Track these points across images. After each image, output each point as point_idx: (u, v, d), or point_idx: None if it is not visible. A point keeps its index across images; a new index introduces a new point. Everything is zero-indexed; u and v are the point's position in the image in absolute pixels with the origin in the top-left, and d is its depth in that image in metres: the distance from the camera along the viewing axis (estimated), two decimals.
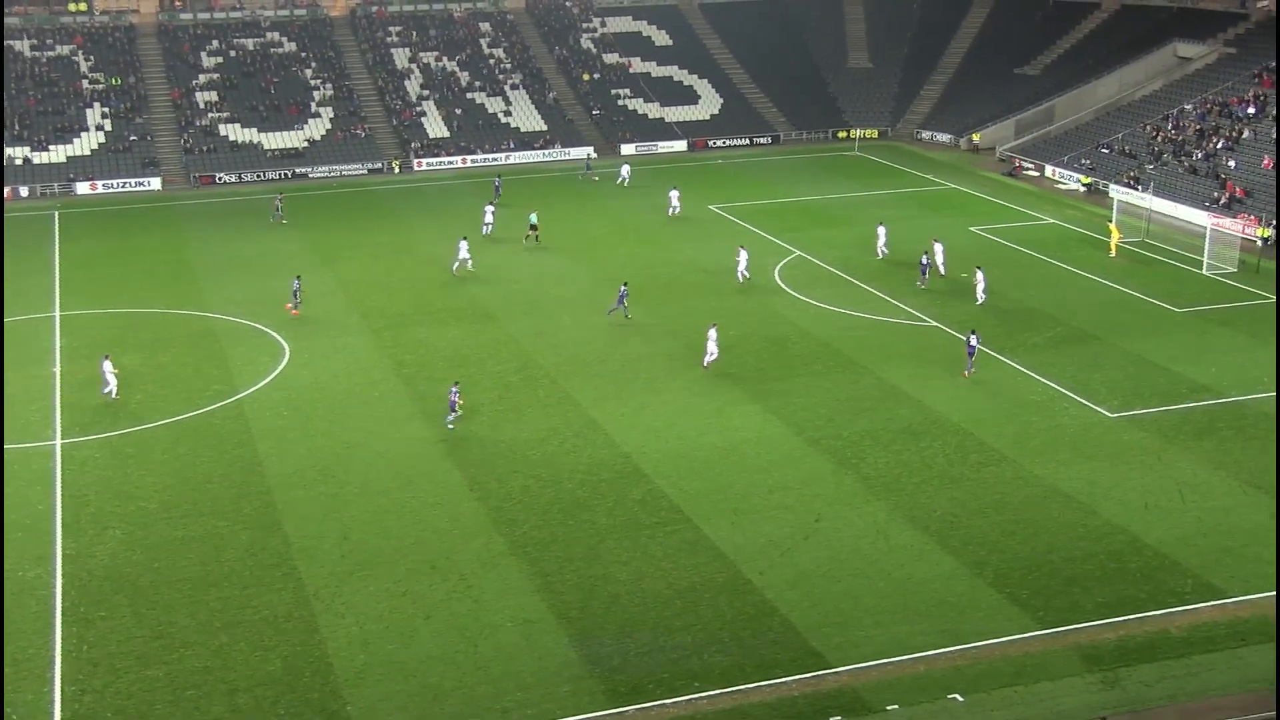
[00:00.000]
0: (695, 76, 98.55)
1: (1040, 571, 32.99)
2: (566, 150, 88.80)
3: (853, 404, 43.95)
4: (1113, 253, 62.43)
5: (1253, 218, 64.74)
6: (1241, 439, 40.89)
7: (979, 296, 54.45)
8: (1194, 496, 37.04)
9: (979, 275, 55.00)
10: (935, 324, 52.11)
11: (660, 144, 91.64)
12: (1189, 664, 29.27)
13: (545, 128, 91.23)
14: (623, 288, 53.13)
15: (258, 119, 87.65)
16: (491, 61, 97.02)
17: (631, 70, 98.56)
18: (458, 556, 34.00)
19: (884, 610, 31.36)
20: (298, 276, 55.11)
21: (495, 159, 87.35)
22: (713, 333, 47.41)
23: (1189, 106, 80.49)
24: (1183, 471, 38.67)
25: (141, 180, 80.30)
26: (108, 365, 44.61)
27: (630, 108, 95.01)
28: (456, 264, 59.59)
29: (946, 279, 57.73)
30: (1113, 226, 63.74)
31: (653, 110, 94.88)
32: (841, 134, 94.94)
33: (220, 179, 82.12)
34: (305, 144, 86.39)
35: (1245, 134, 74.64)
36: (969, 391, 44.98)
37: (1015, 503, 36.73)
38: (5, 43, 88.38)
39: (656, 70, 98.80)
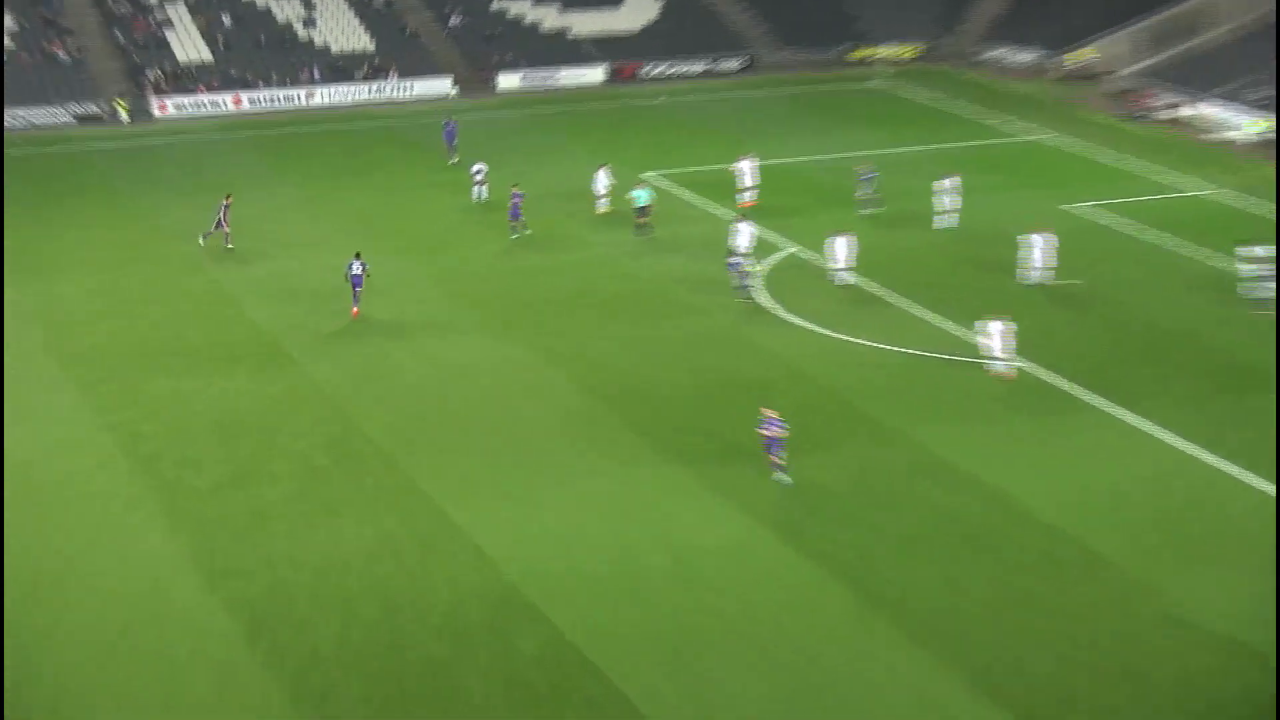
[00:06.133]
0: None
1: None
2: (408, 83, 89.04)
3: (876, 488, 44.47)
4: None
5: None
6: None
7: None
8: None
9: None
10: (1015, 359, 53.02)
11: (563, 72, 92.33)
12: None
13: (372, 48, 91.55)
14: (516, 194, 62.53)
15: None
16: None
17: None
18: None
19: None
20: (357, 255, 58.09)
21: (289, 96, 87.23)
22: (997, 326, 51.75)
23: None
24: None
25: None
26: None
27: (511, 15, 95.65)
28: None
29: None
30: None
31: (549, 18, 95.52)
32: (858, 55, 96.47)
33: None
34: None
35: None
36: (1062, 465, 45.60)
37: None
38: None
39: None
